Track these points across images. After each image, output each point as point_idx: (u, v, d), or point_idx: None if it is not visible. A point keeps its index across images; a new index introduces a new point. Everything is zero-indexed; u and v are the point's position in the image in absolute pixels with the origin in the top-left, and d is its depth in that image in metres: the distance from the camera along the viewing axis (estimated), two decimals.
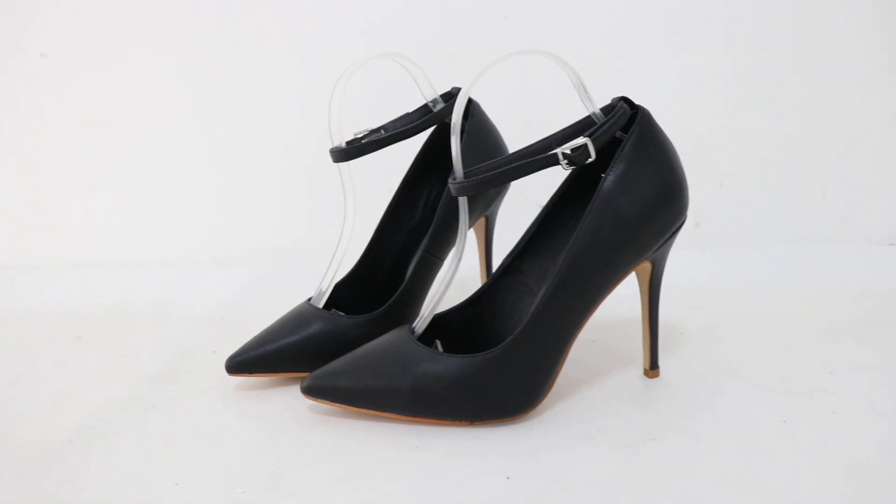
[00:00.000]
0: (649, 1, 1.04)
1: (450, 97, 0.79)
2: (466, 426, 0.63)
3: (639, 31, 1.05)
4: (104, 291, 0.99)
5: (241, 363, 0.70)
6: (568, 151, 0.60)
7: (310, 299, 0.75)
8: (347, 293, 0.79)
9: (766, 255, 1.00)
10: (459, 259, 0.65)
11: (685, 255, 0.88)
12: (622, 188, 0.62)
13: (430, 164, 0.83)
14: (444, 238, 0.76)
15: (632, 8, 1.04)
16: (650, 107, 0.64)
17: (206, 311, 0.92)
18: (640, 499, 0.54)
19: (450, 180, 0.62)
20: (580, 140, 0.60)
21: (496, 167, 0.61)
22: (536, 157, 0.61)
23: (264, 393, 0.70)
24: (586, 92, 0.63)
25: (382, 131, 0.76)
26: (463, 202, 0.63)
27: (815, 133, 1.05)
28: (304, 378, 0.65)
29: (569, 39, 1.04)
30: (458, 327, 0.70)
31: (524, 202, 0.90)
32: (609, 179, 0.62)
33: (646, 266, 0.66)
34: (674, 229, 0.65)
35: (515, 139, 0.76)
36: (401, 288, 0.74)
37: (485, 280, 0.86)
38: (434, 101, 0.78)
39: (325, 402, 0.64)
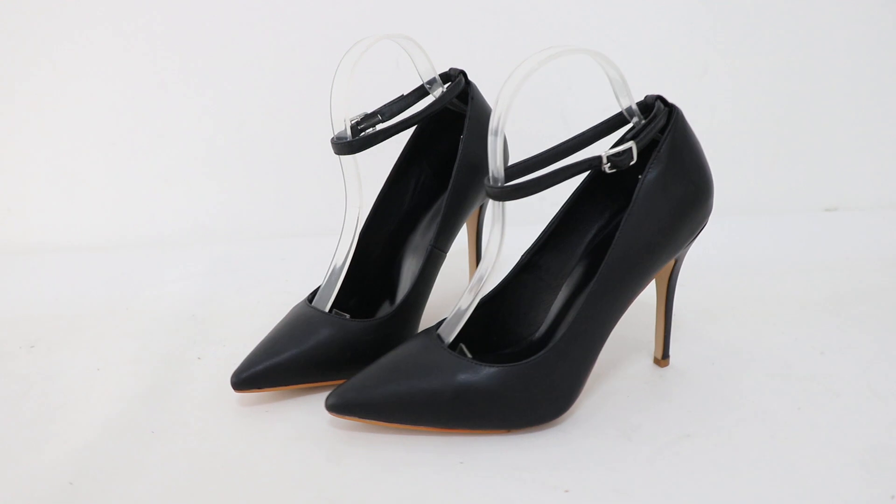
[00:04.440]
0: None
1: (448, 79, 0.74)
2: (503, 434, 0.62)
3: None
4: (49, 285, 0.87)
5: (251, 378, 0.64)
6: (612, 155, 0.59)
7: (311, 300, 0.70)
8: None
9: (723, 226, 1.02)
10: (493, 265, 0.62)
11: None
12: (660, 190, 0.61)
13: (421, 148, 0.79)
14: (451, 231, 0.73)
15: None
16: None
17: (170, 307, 0.83)
18: (696, 501, 0.55)
19: (487, 184, 0.58)
20: (626, 144, 0.59)
21: (534, 166, 0.59)
22: (579, 161, 0.59)
23: (274, 408, 0.65)
24: (628, 89, 0.60)
25: (379, 116, 0.71)
26: (500, 206, 0.60)
27: (760, 108, 1.07)
28: (329, 395, 0.61)
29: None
30: (471, 325, 0.67)
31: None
32: (647, 181, 0.61)
33: (669, 263, 0.67)
34: (701, 227, 0.65)
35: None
36: (410, 287, 0.70)
37: (474, 268, 0.84)
38: (431, 82, 0.74)
39: (353, 418, 0.61)
